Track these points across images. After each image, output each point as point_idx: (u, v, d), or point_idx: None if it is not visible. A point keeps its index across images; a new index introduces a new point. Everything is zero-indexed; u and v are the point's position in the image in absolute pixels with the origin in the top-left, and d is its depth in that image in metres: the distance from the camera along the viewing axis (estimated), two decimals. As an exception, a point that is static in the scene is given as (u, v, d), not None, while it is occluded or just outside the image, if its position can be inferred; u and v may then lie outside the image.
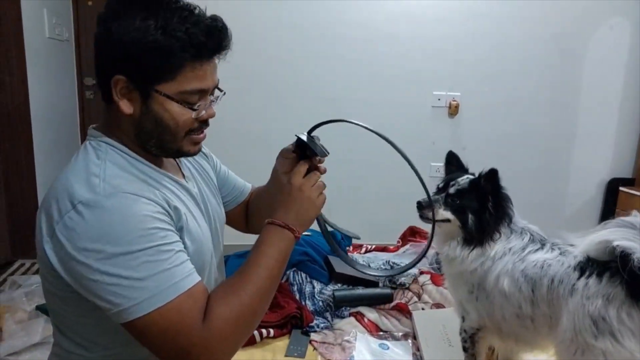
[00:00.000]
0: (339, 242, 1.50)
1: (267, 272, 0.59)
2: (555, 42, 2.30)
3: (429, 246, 0.74)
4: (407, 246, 1.53)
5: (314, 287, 1.22)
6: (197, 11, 0.58)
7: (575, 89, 2.37)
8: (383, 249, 1.57)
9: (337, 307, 1.16)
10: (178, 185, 0.66)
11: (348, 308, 1.16)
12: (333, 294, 1.17)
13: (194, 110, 0.60)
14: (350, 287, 1.23)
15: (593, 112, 2.39)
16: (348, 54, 2.26)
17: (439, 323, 1.06)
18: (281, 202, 0.64)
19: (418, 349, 1.01)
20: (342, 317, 1.14)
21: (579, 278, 0.73)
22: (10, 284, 1.91)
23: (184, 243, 0.60)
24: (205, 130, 0.65)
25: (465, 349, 0.92)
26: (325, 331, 1.07)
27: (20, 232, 2.25)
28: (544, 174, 2.44)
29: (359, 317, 1.13)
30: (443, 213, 0.86)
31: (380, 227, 1.96)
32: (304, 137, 0.69)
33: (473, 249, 0.83)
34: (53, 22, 2.38)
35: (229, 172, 0.87)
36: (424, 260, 1.41)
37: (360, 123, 0.69)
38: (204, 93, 0.61)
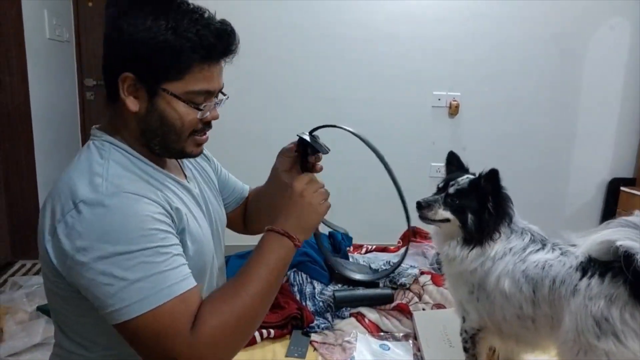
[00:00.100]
0: (339, 242, 1.50)
1: (263, 280, 0.58)
2: (555, 42, 2.30)
3: (406, 250, 0.75)
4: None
5: (314, 288, 1.22)
6: (207, 14, 0.59)
7: (576, 88, 2.36)
8: (383, 249, 1.56)
9: (337, 308, 1.15)
10: (180, 186, 0.66)
11: (348, 308, 1.16)
12: (333, 294, 1.17)
13: (200, 110, 0.61)
14: (351, 287, 1.23)
15: (593, 112, 2.39)
16: (348, 54, 2.26)
17: (440, 323, 1.06)
18: (282, 207, 0.63)
19: (419, 350, 1.01)
20: (343, 318, 1.13)
21: (581, 278, 0.73)
22: (11, 284, 1.91)
23: (185, 244, 0.61)
24: (207, 133, 0.65)
25: (466, 350, 0.92)
26: (326, 332, 1.07)
27: (21, 232, 2.26)
28: (545, 174, 2.44)
29: (360, 317, 1.12)
30: (442, 213, 0.86)
31: (380, 228, 1.96)
32: (306, 137, 0.71)
33: (473, 249, 0.83)
34: (53, 23, 2.39)
35: (229, 175, 0.87)
36: (424, 260, 1.41)
37: (353, 131, 0.73)
38: (209, 95, 0.61)
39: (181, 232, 0.60)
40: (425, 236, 1.55)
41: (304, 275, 1.25)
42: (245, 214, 0.90)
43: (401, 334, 1.06)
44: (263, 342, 1.03)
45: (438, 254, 1.30)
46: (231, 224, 0.87)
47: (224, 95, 0.65)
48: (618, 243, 0.67)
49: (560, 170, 2.45)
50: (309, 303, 1.16)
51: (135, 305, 0.51)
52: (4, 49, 2.11)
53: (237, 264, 1.36)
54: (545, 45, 2.30)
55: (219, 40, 0.58)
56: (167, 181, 0.64)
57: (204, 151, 0.76)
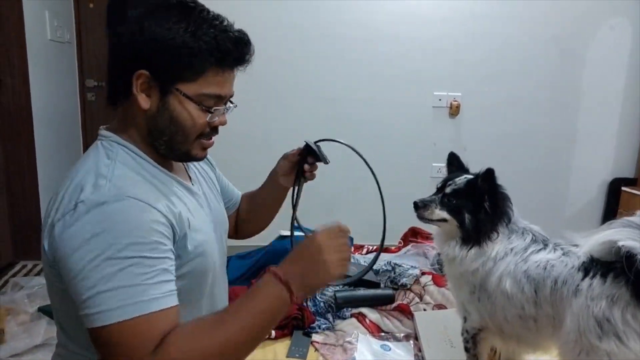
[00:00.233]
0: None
1: (244, 324, 0.54)
2: (556, 42, 2.29)
3: (380, 250, 0.80)
4: (409, 247, 1.52)
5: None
6: (225, 22, 0.61)
7: (576, 89, 2.36)
8: (384, 249, 1.56)
9: (338, 308, 1.15)
10: (184, 189, 0.67)
11: (349, 309, 1.16)
12: (334, 295, 1.17)
13: (210, 113, 0.62)
14: (352, 288, 1.23)
15: (594, 112, 2.38)
16: (348, 54, 2.26)
17: (441, 324, 1.06)
18: (294, 253, 0.59)
19: (420, 350, 1.01)
20: (344, 318, 1.13)
21: (583, 279, 0.73)
22: (12, 285, 1.91)
23: (186, 248, 0.61)
24: (213, 138, 0.66)
25: (467, 350, 0.92)
26: (327, 332, 1.07)
27: (22, 233, 2.26)
28: (546, 174, 2.44)
29: (361, 318, 1.12)
30: (439, 213, 0.87)
31: (380, 228, 1.95)
32: (313, 144, 0.74)
33: (471, 249, 0.83)
34: (55, 24, 2.39)
35: (227, 180, 0.88)
36: (425, 260, 1.41)
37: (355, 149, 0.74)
38: (220, 99, 0.63)
39: (183, 238, 0.60)
40: (426, 237, 1.55)
41: (305, 276, 1.25)
42: (237, 219, 0.91)
43: (402, 335, 1.06)
44: (264, 343, 1.02)
45: (439, 254, 1.30)
46: None
47: (232, 103, 0.66)
48: (620, 243, 0.67)
49: (561, 171, 2.45)
50: (309, 303, 1.16)
51: (104, 314, 0.51)
52: (5, 50, 2.11)
53: (237, 264, 1.36)
54: (545, 45, 2.29)
55: (235, 48, 0.60)
56: (172, 184, 0.64)
57: (207, 156, 0.77)
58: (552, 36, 2.29)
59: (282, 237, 1.43)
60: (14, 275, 2.11)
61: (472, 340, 0.90)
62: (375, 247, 1.56)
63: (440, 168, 2.28)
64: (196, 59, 0.58)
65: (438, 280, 1.24)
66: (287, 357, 0.98)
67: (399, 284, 1.24)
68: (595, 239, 0.71)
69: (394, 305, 1.16)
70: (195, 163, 0.75)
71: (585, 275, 0.73)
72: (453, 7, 2.23)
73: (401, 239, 1.62)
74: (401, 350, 1.01)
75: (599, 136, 2.42)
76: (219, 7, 0.64)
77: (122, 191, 0.55)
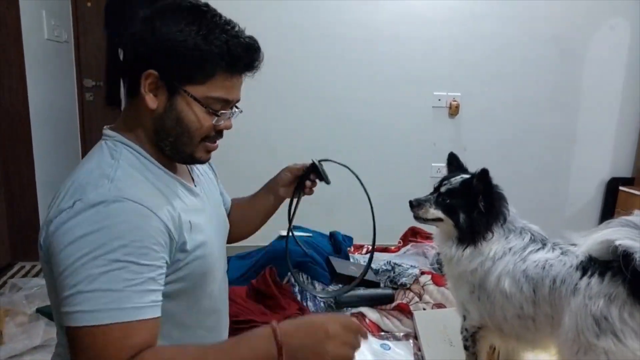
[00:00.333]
0: (339, 242, 1.51)
1: None
2: (555, 42, 2.30)
3: (371, 258, 0.83)
4: (408, 246, 1.53)
5: (315, 288, 1.22)
6: (237, 28, 0.61)
7: (576, 89, 2.37)
8: (384, 249, 1.57)
9: (338, 308, 1.16)
10: (188, 191, 0.67)
11: (349, 308, 1.16)
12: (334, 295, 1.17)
13: (216, 116, 0.62)
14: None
15: (593, 112, 2.39)
16: (348, 54, 2.26)
17: (440, 323, 1.06)
18: (304, 322, 0.57)
19: (419, 349, 1.01)
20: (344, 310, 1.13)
21: (581, 278, 0.73)
22: (11, 286, 1.91)
23: (187, 251, 0.60)
24: (217, 141, 0.66)
25: (466, 348, 0.92)
26: (327, 332, 1.07)
27: (20, 234, 2.25)
28: (544, 174, 2.45)
29: (361, 317, 1.13)
30: (434, 212, 0.88)
31: (381, 228, 1.96)
32: (319, 163, 0.78)
33: (466, 248, 0.84)
34: (52, 24, 2.38)
35: (221, 185, 0.88)
36: (424, 260, 1.42)
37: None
38: (227, 104, 0.63)
39: (182, 244, 0.60)
40: (425, 236, 1.55)
41: (305, 276, 1.25)
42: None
43: (402, 334, 1.06)
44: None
45: (439, 254, 1.31)
46: None
47: (238, 108, 0.67)
48: (617, 242, 0.67)
49: (560, 170, 2.46)
50: (310, 304, 1.16)
51: (80, 315, 0.50)
52: (2, 50, 2.10)
53: (237, 264, 1.36)
54: (545, 45, 2.30)
55: (246, 53, 0.60)
56: (176, 186, 0.64)
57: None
58: (551, 36, 2.29)
59: (281, 237, 1.43)
60: (12, 277, 2.11)
61: (471, 339, 0.91)
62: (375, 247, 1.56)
63: (439, 168, 2.29)
64: (206, 63, 0.58)
65: (437, 280, 1.24)
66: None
67: (399, 283, 1.25)
68: (594, 239, 0.72)
69: (393, 304, 1.17)
70: (198, 165, 0.75)
71: (584, 274, 0.73)
72: (452, 7, 2.23)
73: (401, 238, 1.63)
74: (401, 349, 1.01)
75: (597, 136, 2.43)
76: (219, 7, 0.64)
77: (122, 193, 0.54)
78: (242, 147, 2.24)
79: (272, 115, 2.28)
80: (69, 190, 0.55)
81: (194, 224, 0.63)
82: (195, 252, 0.62)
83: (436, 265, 1.36)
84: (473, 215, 0.83)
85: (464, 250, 0.84)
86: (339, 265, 1.31)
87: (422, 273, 1.29)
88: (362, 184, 0.77)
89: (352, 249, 1.54)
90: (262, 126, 2.28)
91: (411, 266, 1.32)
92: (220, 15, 0.61)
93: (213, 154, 0.85)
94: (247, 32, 0.63)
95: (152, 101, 0.60)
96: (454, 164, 0.95)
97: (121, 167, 0.58)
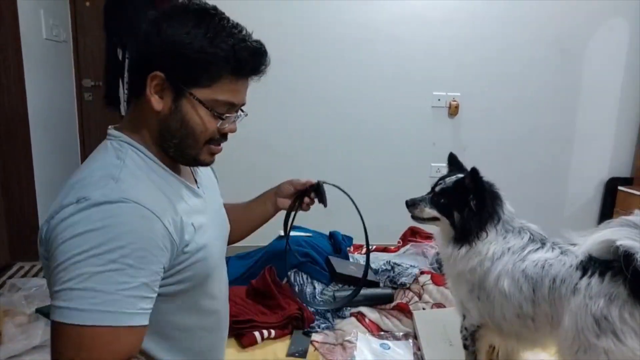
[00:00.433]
0: (339, 242, 1.50)
1: None
2: (554, 42, 2.30)
3: (365, 274, 0.83)
4: (408, 246, 1.53)
5: (315, 288, 1.22)
6: (244, 32, 0.61)
7: (574, 88, 2.37)
8: (384, 249, 1.57)
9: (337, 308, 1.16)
10: (191, 193, 0.67)
11: (349, 308, 1.16)
12: (333, 294, 1.17)
13: (221, 119, 0.62)
14: (351, 287, 1.23)
15: (592, 112, 2.40)
16: (348, 54, 2.26)
17: (440, 323, 1.06)
18: None
19: (419, 349, 1.01)
20: (343, 318, 1.14)
21: (581, 277, 0.73)
22: (10, 287, 1.90)
23: (188, 253, 0.60)
24: (222, 145, 0.66)
25: (465, 347, 0.92)
26: (327, 331, 1.07)
27: (19, 234, 2.25)
28: (544, 174, 2.45)
29: (360, 317, 1.13)
30: (429, 211, 0.89)
31: (380, 228, 1.96)
32: (322, 186, 0.83)
33: (461, 247, 0.84)
34: (50, 23, 2.37)
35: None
36: (424, 260, 1.42)
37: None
38: (232, 107, 0.63)
39: (184, 247, 0.60)
40: (425, 236, 1.55)
41: (305, 276, 1.25)
42: None
43: (401, 333, 1.06)
44: (264, 343, 1.03)
45: (438, 253, 1.31)
46: None
47: (243, 112, 0.67)
48: (618, 242, 0.67)
49: (559, 170, 2.46)
50: (309, 303, 1.16)
51: (68, 312, 0.50)
52: (0, 49, 2.09)
53: (236, 264, 1.36)
54: (544, 45, 2.30)
55: (252, 58, 0.60)
56: (180, 188, 0.64)
57: None
58: (550, 36, 2.30)
59: (281, 237, 1.43)
60: (11, 277, 2.10)
61: (470, 338, 0.91)
62: (374, 247, 1.57)
63: (439, 168, 2.29)
64: (212, 66, 0.58)
65: (437, 280, 1.24)
66: (287, 356, 0.99)
67: (398, 283, 1.25)
68: (594, 238, 0.72)
69: (393, 304, 1.17)
70: (200, 168, 0.75)
71: (584, 274, 0.73)
72: (452, 7, 2.23)
73: (400, 238, 1.63)
74: (400, 349, 1.01)
75: (596, 136, 2.43)
76: (218, 7, 0.64)
77: (126, 194, 0.54)
78: (241, 147, 2.24)
79: (271, 115, 2.27)
80: (72, 188, 0.55)
81: (196, 226, 0.63)
82: (197, 255, 0.62)
83: (436, 265, 1.36)
84: (465, 214, 0.83)
85: (459, 249, 0.84)
86: (338, 265, 1.31)
87: (422, 273, 1.29)
88: (355, 204, 0.81)
89: (352, 248, 1.54)
90: (261, 126, 2.28)
91: (411, 266, 1.32)
92: (228, 19, 0.61)
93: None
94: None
95: (157, 103, 0.60)
96: (454, 164, 0.96)
97: (127, 167, 0.58)
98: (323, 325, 1.09)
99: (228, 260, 1.27)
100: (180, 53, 0.57)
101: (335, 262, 1.32)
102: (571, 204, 2.50)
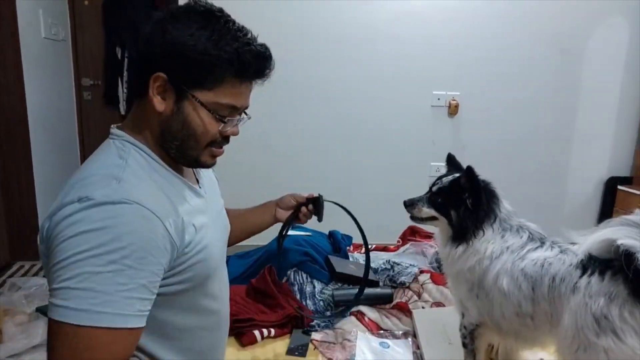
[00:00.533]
0: (339, 241, 1.50)
1: None
2: (554, 41, 2.30)
3: (365, 280, 0.86)
4: (407, 245, 1.53)
5: (314, 287, 1.22)
6: (249, 35, 0.61)
7: (574, 87, 2.37)
8: (383, 248, 1.57)
9: (337, 307, 1.16)
10: (193, 193, 0.67)
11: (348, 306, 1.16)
12: (332, 293, 1.17)
13: (223, 122, 0.62)
14: (351, 286, 1.23)
15: (592, 111, 2.40)
16: (347, 53, 2.26)
17: (439, 321, 1.06)
18: None
19: (418, 347, 1.01)
20: (343, 317, 1.14)
21: (581, 276, 0.73)
22: (10, 286, 1.90)
23: (189, 254, 0.60)
24: (224, 147, 0.66)
25: (464, 345, 0.92)
26: (326, 330, 1.07)
27: (19, 234, 2.25)
28: (543, 173, 2.45)
29: (360, 316, 1.13)
30: (427, 211, 0.89)
31: (380, 227, 1.96)
32: (322, 201, 0.86)
33: (459, 246, 0.84)
34: (49, 22, 2.37)
35: None
36: (423, 259, 1.42)
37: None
38: (234, 110, 0.63)
39: (185, 247, 0.60)
40: (425, 235, 1.55)
41: (304, 275, 1.25)
42: None
43: (401, 332, 1.07)
44: (264, 341, 1.03)
45: (438, 252, 1.31)
46: None
47: (247, 115, 0.66)
48: (619, 242, 0.67)
49: (558, 169, 2.46)
50: (309, 302, 1.16)
51: (66, 311, 0.50)
52: (-1, 48, 2.09)
53: (236, 264, 1.36)
54: (543, 44, 2.30)
55: (256, 61, 0.60)
56: (182, 188, 0.64)
57: None
58: (550, 35, 2.29)
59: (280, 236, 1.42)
60: (11, 276, 2.10)
61: (470, 336, 0.91)
62: (373, 247, 1.57)
63: (439, 167, 2.29)
64: (215, 68, 0.58)
65: (436, 279, 1.25)
66: (287, 355, 0.99)
67: (398, 282, 1.25)
68: (594, 237, 0.72)
69: (392, 303, 1.17)
70: (202, 169, 0.75)
71: (584, 272, 0.73)
72: (452, 6, 2.23)
73: (400, 237, 1.63)
74: (400, 347, 1.01)
75: (596, 135, 2.43)
76: (218, 5, 0.64)
77: (129, 194, 0.54)
78: (240, 146, 2.24)
79: (270, 114, 2.27)
80: (74, 186, 0.55)
81: (198, 227, 0.63)
82: (197, 256, 0.62)
83: (435, 264, 1.36)
84: (460, 212, 0.84)
85: (457, 248, 0.84)
86: (338, 264, 1.31)
87: (421, 272, 1.29)
88: (355, 220, 0.84)
89: (352, 247, 1.54)
90: (260, 125, 2.28)
91: (410, 265, 1.32)
92: (233, 22, 0.60)
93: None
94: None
95: (159, 104, 0.59)
96: (452, 164, 0.96)
97: (129, 167, 0.58)
98: (323, 324, 1.09)
99: (228, 259, 1.27)
100: (184, 55, 0.57)
101: (335, 261, 1.32)
102: (571, 203, 2.50)
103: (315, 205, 0.86)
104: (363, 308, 1.15)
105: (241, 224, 0.89)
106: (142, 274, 0.53)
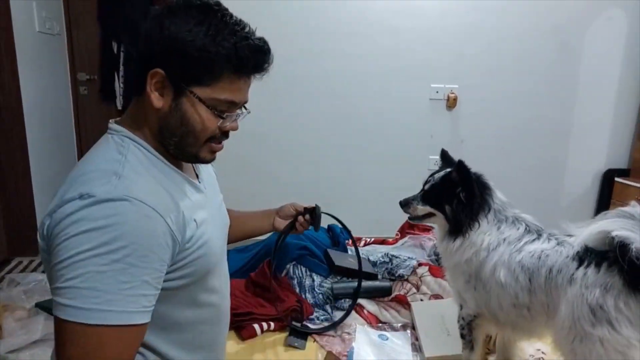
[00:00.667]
0: (337, 235, 1.51)
1: None
2: (552, 34, 2.29)
3: (359, 286, 0.86)
4: (406, 238, 1.54)
5: (313, 281, 1.23)
6: (247, 29, 0.60)
7: (572, 80, 2.37)
8: (382, 241, 1.57)
9: (336, 300, 1.17)
10: (193, 188, 0.67)
11: (348, 300, 1.17)
12: (332, 287, 1.18)
13: (222, 118, 0.61)
14: (350, 280, 1.24)
15: (589, 104, 2.40)
16: (346, 46, 2.24)
17: (437, 313, 1.07)
18: None
19: (417, 339, 1.02)
20: (342, 310, 1.14)
21: (577, 268, 0.74)
22: (9, 282, 1.91)
23: (190, 250, 0.60)
24: (223, 142, 0.66)
25: (462, 336, 0.94)
26: (325, 323, 1.08)
27: (17, 229, 2.24)
28: (541, 165, 2.46)
29: (359, 309, 1.14)
30: (422, 208, 0.90)
31: (378, 221, 1.97)
32: (319, 211, 0.89)
33: (456, 239, 0.85)
34: (43, 16, 2.34)
35: None
36: (422, 252, 1.43)
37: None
38: (233, 105, 0.62)
39: (185, 243, 0.60)
40: (423, 228, 1.56)
41: (304, 269, 1.26)
42: None
43: (399, 324, 1.08)
44: (263, 335, 1.03)
45: (436, 246, 1.32)
46: None
47: (246, 109, 0.66)
48: (614, 233, 0.68)
49: (556, 162, 2.47)
50: (308, 295, 1.17)
51: (72, 310, 0.50)
52: (-7, 43, 2.06)
53: (236, 258, 1.36)
54: (542, 37, 2.29)
55: (254, 56, 0.59)
56: (182, 183, 0.64)
57: None
58: (548, 28, 2.28)
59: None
60: (9, 272, 2.10)
61: (467, 327, 0.92)
62: (372, 240, 1.58)
63: (437, 160, 2.28)
64: (213, 64, 0.57)
65: (435, 271, 1.25)
66: (286, 346, 1.00)
67: (396, 275, 1.26)
68: (591, 229, 0.73)
69: (391, 296, 1.18)
70: (202, 164, 0.75)
71: (580, 264, 0.74)
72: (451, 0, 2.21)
73: (398, 230, 1.63)
74: (399, 339, 1.02)
75: (594, 127, 2.44)
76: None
77: (129, 191, 0.54)
78: (237, 140, 2.23)
79: (269, 107, 2.26)
80: (75, 182, 0.55)
81: (198, 222, 0.63)
82: (198, 251, 0.62)
83: (433, 257, 1.37)
84: (454, 206, 0.84)
85: (454, 241, 0.85)
86: (337, 257, 1.31)
87: (420, 264, 1.29)
88: (348, 231, 0.90)
89: (350, 242, 1.54)
90: (257, 119, 2.26)
91: (409, 258, 1.33)
92: (230, 15, 0.60)
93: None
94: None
95: (157, 100, 0.59)
96: (446, 160, 0.97)
97: (129, 163, 0.57)
98: (322, 317, 1.10)
99: (227, 253, 1.27)
100: (181, 51, 0.56)
101: (334, 254, 1.33)
102: (568, 195, 2.52)
103: (312, 215, 0.89)
104: (362, 301, 1.16)
105: (239, 226, 0.89)
106: (145, 271, 0.53)
